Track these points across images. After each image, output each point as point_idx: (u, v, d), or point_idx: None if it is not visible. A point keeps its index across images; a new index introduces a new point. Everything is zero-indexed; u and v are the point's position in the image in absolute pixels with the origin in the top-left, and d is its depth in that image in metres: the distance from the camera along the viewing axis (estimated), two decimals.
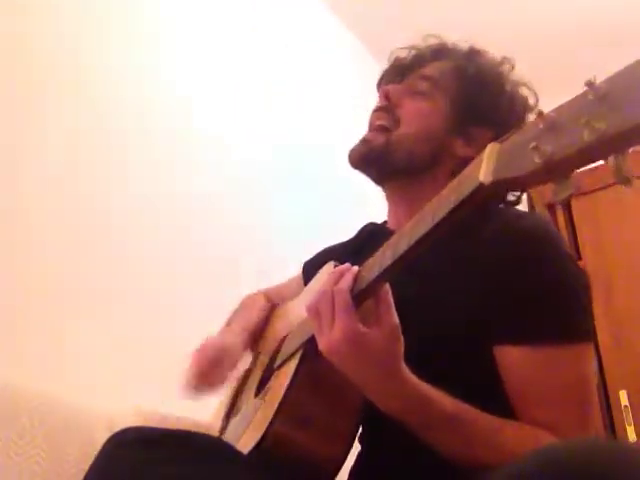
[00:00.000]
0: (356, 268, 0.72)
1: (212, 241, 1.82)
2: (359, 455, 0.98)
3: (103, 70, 1.66)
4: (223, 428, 1.09)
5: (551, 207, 2.86)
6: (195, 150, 1.87)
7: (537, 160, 0.44)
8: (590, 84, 0.41)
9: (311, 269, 1.08)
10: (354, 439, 0.82)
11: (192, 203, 1.80)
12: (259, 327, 1.16)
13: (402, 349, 0.70)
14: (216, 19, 2.10)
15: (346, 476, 0.94)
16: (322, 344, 0.71)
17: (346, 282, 0.71)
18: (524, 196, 3.12)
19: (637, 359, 2.47)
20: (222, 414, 1.14)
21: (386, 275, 0.67)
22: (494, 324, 0.81)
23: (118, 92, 1.68)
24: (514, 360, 0.81)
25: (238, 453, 0.80)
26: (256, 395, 0.98)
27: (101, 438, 0.80)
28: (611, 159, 0.41)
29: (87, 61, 1.63)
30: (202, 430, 1.00)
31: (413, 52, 1.07)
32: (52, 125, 1.49)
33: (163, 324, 1.58)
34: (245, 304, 1.24)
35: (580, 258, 2.73)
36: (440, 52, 1.05)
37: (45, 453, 1.01)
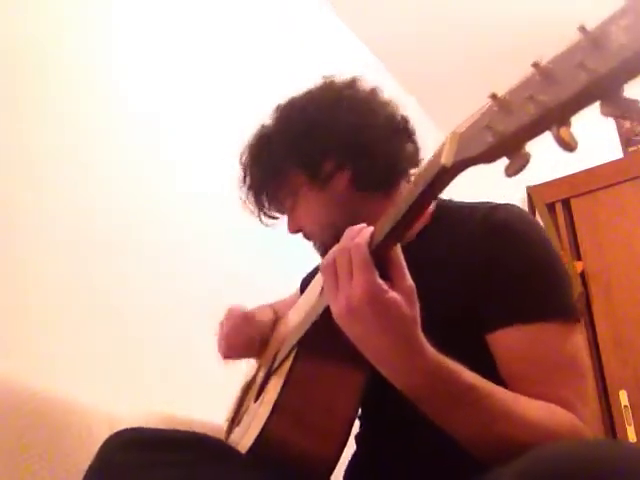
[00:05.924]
0: (372, 227, 0.67)
1: (214, 241, 1.82)
2: (354, 455, 0.98)
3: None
4: (227, 435, 1.11)
5: (551, 207, 2.87)
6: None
7: (490, 139, 0.48)
8: (536, 65, 0.44)
9: (307, 283, 1.10)
10: (348, 438, 0.82)
11: (193, 202, 1.80)
12: (267, 335, 1.17)
13: (418, 315, 0.66)
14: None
15: (341, 475, 0.95)
16: (340, 304, 0.65)
17: (363, 237, 0.65)
18: (524, 196, 3.13)
19: (637, 359, 2.47)
20: (228, 422, 1.16)
21: (398, 231, 0.63)
22: (484, 312, 0.83)
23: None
24: (508, 342, 0.81)
25: (235, 453, 0.80)
26: (255, 400, 0.99)
27: (101, 438, 0.80)
28: (554, 128, 0.44)
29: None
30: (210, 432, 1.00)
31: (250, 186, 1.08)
32: (53, 127, 1.49)
33: (163, 324, 1.58)
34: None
35: (580, 258, 2.73)
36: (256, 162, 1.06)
37: (45, 453, 1.01)
